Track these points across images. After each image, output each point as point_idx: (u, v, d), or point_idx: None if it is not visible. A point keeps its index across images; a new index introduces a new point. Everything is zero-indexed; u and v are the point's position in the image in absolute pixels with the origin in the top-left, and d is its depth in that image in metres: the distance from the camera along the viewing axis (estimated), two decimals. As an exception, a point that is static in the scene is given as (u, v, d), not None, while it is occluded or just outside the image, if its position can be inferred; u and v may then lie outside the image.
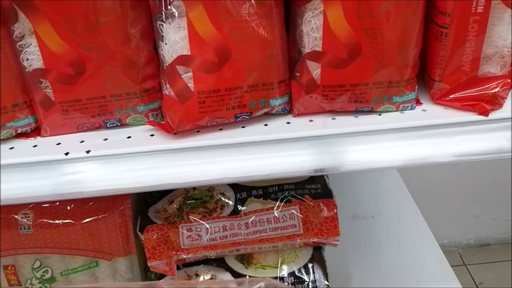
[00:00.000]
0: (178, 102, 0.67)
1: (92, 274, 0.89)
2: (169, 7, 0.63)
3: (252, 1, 0.62)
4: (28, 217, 0.83)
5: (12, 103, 0.69)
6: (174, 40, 0.64)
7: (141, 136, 0.72)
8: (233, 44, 0.64)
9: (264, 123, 0.72)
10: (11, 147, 0.71)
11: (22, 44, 0.66)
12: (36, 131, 0.74)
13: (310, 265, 0.88)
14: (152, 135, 0.72)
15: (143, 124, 0.74)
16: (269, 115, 0.73)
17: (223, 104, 0.68)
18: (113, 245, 0.86)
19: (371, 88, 0.69)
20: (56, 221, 0.83)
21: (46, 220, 0.83)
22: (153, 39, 0.69)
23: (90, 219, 0.84)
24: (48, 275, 0.88)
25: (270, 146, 0.68)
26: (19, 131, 0.72)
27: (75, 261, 0.87)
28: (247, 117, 0.70)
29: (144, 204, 0.90)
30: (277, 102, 0.71)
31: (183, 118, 0.67)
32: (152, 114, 0.73)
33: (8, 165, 0.67)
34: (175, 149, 0.68)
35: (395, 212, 1.30)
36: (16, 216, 0.82)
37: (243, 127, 0.72)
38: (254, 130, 0.71)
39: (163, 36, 0.65)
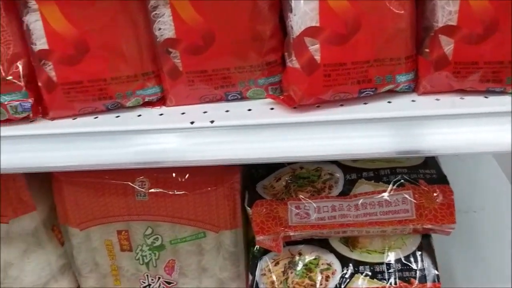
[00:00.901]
0: (303, 74, 0.66)
1: (199, 245, 0.92)
2: (301, -22, 0.63)
3: (388, -30, 0.61)
4: (145, 185, 0.86)
5: (142, 72, 0.73)
6: (304, 11, 0.64)
7: (261, 109, 0.72)
8: (363, 16, 0.63)
9: (388, 100, 0.70)
10: (138, 114, 0.75)
11: (156, 14, 0.69)
12: (161, 101, 0.77)
13: (418, 253, 0.85)
14: (272, 108, 0.72)
15: (262, 98, 0.74)
16: (392, 92, 0.71)
17: (349, 78, 0.66)
18: (221, 218, 0.88)
19: (506, 66, 0.65)
20: (170, 191, 0.86)
21: (161, 189, 0.86)
22: (279, 11, 0.70)
23: (202, 190, 0.86)
24: (158, 243, 0.91)
25: (396, 123, 0.66)
26: (146, 100, 0.75)
27: (184, 230, 0.90)
28: (371, 93, 0.69)
29: (250, 180, 0.91)
30: (403, 79, 0.68)
31: (307, 91, 0.67)
32: (272, 88, 0.74)
33: (138, 130, 0.70)
34: (295, 122, 0.68)
35: (497, 205, 1.23)
36: (133, 184, 0.86)
37: (365, 103, 0.70)
38: (377, 107, 0.69)
39: (292, 7, 0.65)
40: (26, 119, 0.74)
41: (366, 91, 0.68)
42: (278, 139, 0.68)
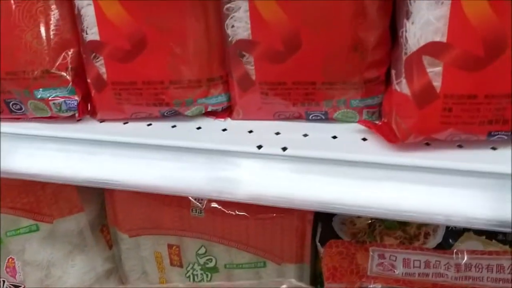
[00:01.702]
0: (414, 104, 0.49)
1: (256, 273, 0.79)
2: (430, -27, 0.45)
3: None
4: (202, 201, 0.74)
5: (207, 77, 0.59)
6: (427, 19, 0.46)
7: (350, 138, 0.56)
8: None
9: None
10: (198, 126, 0.62)
11: (230, 7, 0.54)
12: (227, 111, 0.63)
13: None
14: (364, 139, 0.56)
15: (354, 122, 0.58)
16: None
17: (477, 116, 0.48)
18: (286, 250, 0.75)
19: None
20: (230, 211, 0.73)
21: (219, 207, 0.74)
22: (391, 15, 0.52)
23: (266, 215, 0.72)
24: (211, 264, 0.80)
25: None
26: (209, 109, 0.62)
27: (242, 256, 0.77)
28: (505, 137, 0.50)
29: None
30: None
31: (416, 127, 0.50)
32: (367, 111, 0.57)
33: (194, 149, 0.57)
34: (397, 165, 0.51)
35: None
36: (190, 198, 0.75)
37: (493, 148, 0.52)
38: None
39: (410, 13, 0.47)
40: (73, 118, 0.64)
41: (498, 134, 0.50)
42: (369, 184, 0.52)
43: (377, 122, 0.57)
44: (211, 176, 0.56)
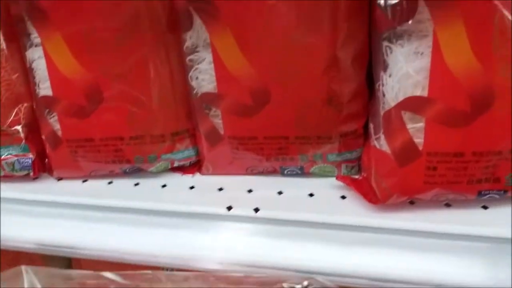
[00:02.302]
0: (395, 162, 0.45)
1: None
2: (406, 23, 0.41)
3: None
4: (174, 257, 0.69)
5: (172, 131, 0.54)
6: (406, 72, 0.42)
7: (328, 195, 0.51)
8: (505, 87, 0.40)
9: (520, 208, 0.46)
10: (163, 184, 0.56)
11: (193, 58, 0.50)
12: (196, 166, 0.58)
13: None
14: (343, 196, 0.51)
15: (332, 177, 0.53)
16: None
17: (465, 175, 0.44)
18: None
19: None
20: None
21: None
22: (367, 66, 0.48)
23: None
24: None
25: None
26: (176, 164, 0.57)
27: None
28: (497, 196, 0.46)
29: None
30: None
31: (398, 187, 0.45)
32: (346, 166, 0.53)
33: (157, 211, 0.52)
34: (375, 227, 0.47)
35: None
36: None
37: (484, 207, 0.47)
38: (503, 217, 0.46)
39: (387, 64, 0.43)
40: (28, 177, 0.59)
41: (489, 193, 0.45)
42: (350, 249, 0.47)
43: (356, 176, 0.53)
44: (175, 243, 0.50)
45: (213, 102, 0.50)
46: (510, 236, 0.43)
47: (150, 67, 0.51)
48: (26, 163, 0.56)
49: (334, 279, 0.46)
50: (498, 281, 0.43)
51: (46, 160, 0.59)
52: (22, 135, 0.55)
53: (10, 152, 0.56)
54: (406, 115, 0.43)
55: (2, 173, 0.57)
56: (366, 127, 0.51)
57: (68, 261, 0.73)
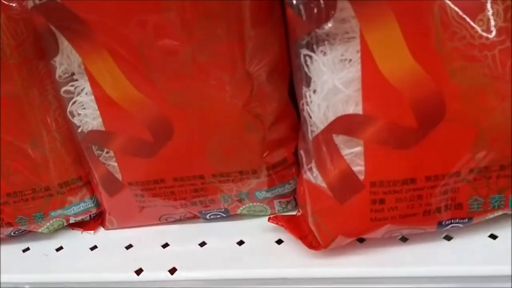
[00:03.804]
0: (333, 199, 0.35)
1: None
2: (326, 25, 0.32)
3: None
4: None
5: (59, 181, 0.43)
6: (333, 86, 0.33)
7: (261, 241, 0.41)
8: (457, 92, 0.32)
9: (489, 234, 0.38)
10: (59, 246, 0.45)
11: (69, 89, 0.39)
12: (98, 220, 0.47)
13: None
14: (279, 241, 0.41)
15: (264, 216, 0.44)
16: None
17: (420, 204, 0.35)
18: None
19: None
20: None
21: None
22: (288, 80, 0.39)
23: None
24: None
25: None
26: (72, 221, 0.46)
27: None
28: (461, 225, 0.37)
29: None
30: (519, 199, 0.37)
31: (339, 229, 0.36)
32: (280, 202, 0.43)
33: (50, 283, 0.41)
34: (320, 278, 0.37)
35: None
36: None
37: (447, 238, 0.38)
38: (471, 250, 0.37)
39: (309, 78, 0.34)
40: None
41: (451, 222, 0.37)
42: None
43: (294, 212, 0.43)
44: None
45: (103, 142, 0.40)
46: (483, 274, 0.35)
47: (19, 106, 0.40)
48: None
49: None
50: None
51: None
52: None
53: None
54: (339, 139, 0.34)
55: None
56: (297, 154, 0.42)
57: None
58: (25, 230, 0.45)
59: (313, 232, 0.38)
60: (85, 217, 0.46)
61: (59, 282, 0.41)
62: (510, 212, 0.37)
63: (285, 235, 0.41)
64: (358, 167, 0.34)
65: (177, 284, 0.39)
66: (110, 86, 0.36)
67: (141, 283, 0.40)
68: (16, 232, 0.45)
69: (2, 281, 0.42)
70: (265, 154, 0.40)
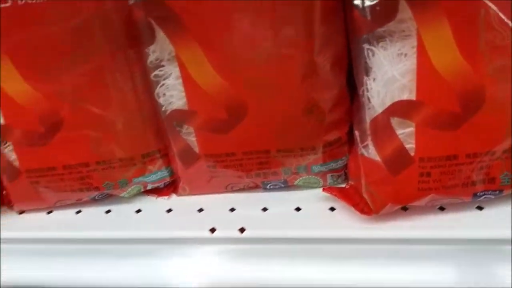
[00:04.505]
0: (387, 172, 0.42)
1: None
2: (387, 24, 0.38)
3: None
4: None
5: (141, 153, 0.50)
6: (391, 76, 0.39)
7: (315, 208, 0.48)
8: (495, 86, 0.38)
9: (515, 206, 0.45)
10: (137, 209, 0.52)
11: (158, 74, 0.45)
12: (171, 187, 0.54)
13: None
14: (332, 208, 0.48)
15: (318, 188, 0.50)
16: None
17: (460, 177, 0.41)
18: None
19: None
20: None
21: None
22: (346, 71, 0.45)
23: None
24: None
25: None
26: (149, 187, 0.53)
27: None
28: (492, 196, 0.44)
29: None
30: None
31: (392, 197, 0.42)
32: (332, 176, 0.50)
33: (133, 239, 0.48)
34: (369, 239, 0.44)
35: None
36: None
37: (479, 208, 0.45)
38: (500, 218, 0.44)
39: (370, 68, 0.40)
40: (-14, 213, 0.53)
41: (485, 194, 0.43)
42: (344, 264, 0.44)
43: (343, 185, 0.50)
44: (155, 272, 0.46)
45: (185, 119, 0.46)
46: (509, 237, 0.42)
47: (111, 87, 0.46)
48: (-18, 199, 0.51)
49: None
50: (498, 282, 0.41)
51: (4, 192, 0.54)
52: (-25, 168, 0.50)
53: (-37, 188, 0.50)
54: (394, 121, 0.40)
55: (-45, 212, 0.51)
56: (349, 134, 0.49)
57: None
58: (107, 194, 0.52)
59: (364, 200, 0.45)
60: (160, 184, 0.53)
61: (141, 239, 0.48)
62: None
63: (337, 204, 0.48)
64: (409, 145, 0.41)
65: (247, 241, 0.46)
66: (197, 72, 0.43)
67: (216, 240, 0.47)
68: (100, 196, 0.52)
69: (88, 237, 0.49)
70: (323, 134, 0.46)
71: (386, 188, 0.42)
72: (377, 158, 0.42)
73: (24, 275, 0.50)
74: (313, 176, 0.49)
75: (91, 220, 0.52)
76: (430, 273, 0.42)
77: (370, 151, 0.43)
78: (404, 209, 0.46)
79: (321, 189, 0.50)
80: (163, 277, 0.47)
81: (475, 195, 0.43)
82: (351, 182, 0.49)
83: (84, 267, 0.49)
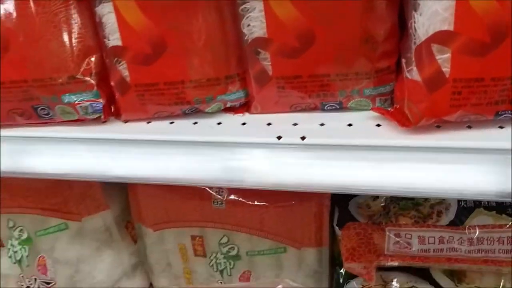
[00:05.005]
0: (425, 90, 0.52)
1: (277, 259, 0.83)
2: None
3: None
4: (222, 192, 0.78)
5: (225, 74, 0.62)
6: (435, 10, 0.49)
7: (364, 125, 0.59)
8: (518, 20, 0.47)
9: (535, 126, 0.54)
10: (218, 122, 0.65)
11: (245, 8, 0.57)
12: (245, 107, 0.66)
13: (543, 300, 0.70)
14: (378, 125, 0.59)
15: (367, 110, 0.61)
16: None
17: (485, 97, 0.52)
18: (305, 235, 0.78)
19: None
20: (250, 202, 0.77)
21: (239, 199, 0.77)
22: (399, 7, 0.55)
23: (285, 204, 0.76)
24: (233, 252, 0.83)
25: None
26: (228, 105, 0.65)
27: (263, 243, 0.81)
28: (511, 116, 0.53)
29: (342, 196, 0.79)
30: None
31: (428, 111, 0.53)
32: (380, 99, 0.60)
33: (215, 142, 0.61)
34: (409, 146, 0.55)
35: None
36: (210, 190, 0.78)
37: (500, 127, 0.55)
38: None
39: (418, 5, 0.51)
40: (98, 120, 0.67)
41: (505, 113, 0.53)
42: (385, 166, 0.55)
43: (389, 109, 0.61)
44: (233, 167, 0.59)
45: (263, 46, 0.58)
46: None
47: (205, 20, 0.58)
48: (98, 107, 0.64)
49: (370, 189, 0.55)
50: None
51: (113, 107, 0.67)
52: (93, 82, 0.63)
53: (84, 98, 0.64)
54: (435, 48, 0.51)
55: (77, 116, 0.65)
56: (397, 65, 0.59)
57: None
58: (195, 109, 0.64)
59: (405, 116, 0.56)
60: (237, 104, 0.65)
61: (224, 142, 0.60)
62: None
63: (383, 122, 0.59)
64: (445, 69, 0.51)
65: (306, 147, 0.58)
66: (277, 6, 0.54)
67: (282, 145, 0.59)
68: (189, 111, 0.65)
69: (179, 139, 0.62)
70: (376, 62, 0.57)
71: (423, 104, 0.53)
72: (418, 78, 0.53)
73: (127, 169, 0.64)
74: (364, 99, 0.60)
75: (182, 128, 0.64)
76: (456, 175, 0.53)
77: (414, 74, 0.54)
78: (438, 126, 0.56)
79: (369, 112, 0.61)
80: (237, 170, 0.59)
81: (496, 113, 0.53)
82: (396, 106, 0.60)
83: (172, 163, 0.62)
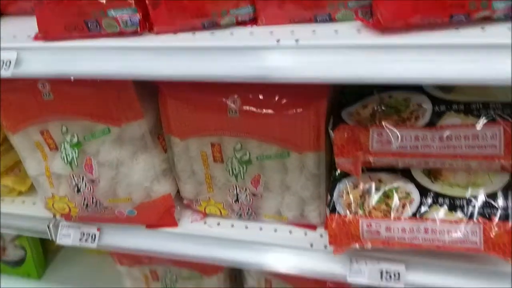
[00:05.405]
0: (392, -3, 0.66)
1: (283, 164, 0.98)
2: None
3: None
4: (236, 102, 0.93)
5: (238, -9, 0.77)
6: None
7: (348, 31, 0.73)
8: None
9: (481, 26, 0.67)
10: (231, 32, 0.80)
11: None
12: (253, 21, 0.81)
13: (504, 192, 0.82)
14: (359, 30, 0.73)
15: (351, 20, 0.75)
16: (488, 20, 0.67)
17: (439, 2, 0.64)
18: (305, 140, 0.92)
19: None
20: (259, 110, 0.92)
21: (251, 108, 0.92)
22: None
23: (288, 112, 0.90)
24: (246, 157, 0.99)
25: (486, 50, 0.64)
26: (239, 19, 0.80)
27: (270, 148, 0.96)
28: (463, 19, 0.66)
29: (338, 107, 0.93)
30: (501, 6, 0.65)
31: (394, 14, 0.66)
32: (362, 11, 0.74)
33: (227, 47, 0.76)
34: (381, 45, 0.68)
35: None
36: (226, 100, 0.93)
37: (456, 28, 0.68)
38: (469, 33, 0.66)
39: None
40: (135, 33, 0.83)
41: (457, 16, 0.66)
42: (360, 60, 0.69)
43: (369, 20, 0.74)
44: (246, 65, 0.74)
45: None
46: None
47: None
48: (135, 21, 0.80)
49: (344, 79, 0.70)
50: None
51: (147, 23, 0.83)
52: (131, 0, 0.79)
53: (124, 12, 0.80)
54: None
55: (118, 29, 0.81)
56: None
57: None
58: (212, 22, 0.79)
59: (379, 22, 0.69)
60: (246, 18, 0.80)
61: (236, 46, 0.75)
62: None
63: (362, 28, 0.72)
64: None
65: (299, 48, 0.72)
66: None
67: (280, 46, 0.73)
68: (207, 24, 0.80)
69: (203, 45, 0.77)
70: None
71: (390, 8, 0.66)
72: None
73: (156, 69, 0.80)
74: (349, 11, 0.74)
75: (201, 38, 0.80)
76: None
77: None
78: (407, 31, 0.69)
79: (352, 22, 0.74)
80: (252, 68, 0.74)
81: (451, 16, 0.66)
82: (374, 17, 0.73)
83: (198, 61, 0.78)
